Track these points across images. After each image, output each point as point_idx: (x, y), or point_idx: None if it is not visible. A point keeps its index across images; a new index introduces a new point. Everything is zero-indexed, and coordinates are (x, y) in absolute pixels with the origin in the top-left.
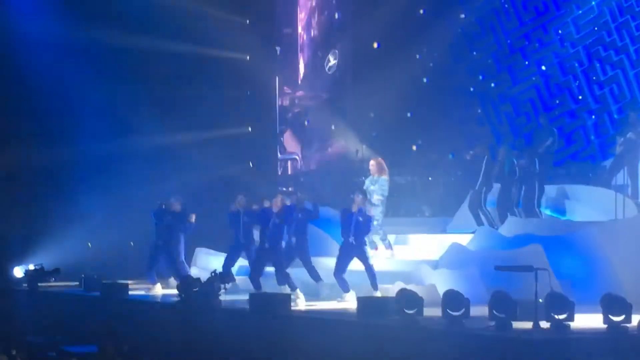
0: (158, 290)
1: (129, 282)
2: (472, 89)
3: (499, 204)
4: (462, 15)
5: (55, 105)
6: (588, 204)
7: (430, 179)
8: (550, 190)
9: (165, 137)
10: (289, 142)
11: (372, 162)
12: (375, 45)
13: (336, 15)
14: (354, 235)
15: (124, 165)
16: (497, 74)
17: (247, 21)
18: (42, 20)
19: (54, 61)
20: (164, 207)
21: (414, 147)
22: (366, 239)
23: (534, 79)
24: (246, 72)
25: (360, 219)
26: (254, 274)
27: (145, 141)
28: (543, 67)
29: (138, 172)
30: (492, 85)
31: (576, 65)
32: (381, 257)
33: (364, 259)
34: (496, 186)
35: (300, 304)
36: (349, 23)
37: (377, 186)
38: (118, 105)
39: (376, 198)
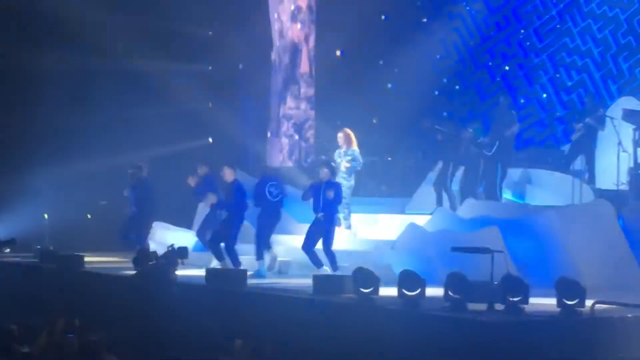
0: None
1: (86, 254)
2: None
3: (463, 185)
4: (425, 20)
5: (9, 72)
6: (546, 189)
7: (389, 159)
8: (512, 173)
9: (124, 108)
10: None
11: (339, 135)
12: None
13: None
14: (323, 211)
15: (82, 136)
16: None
17: None
18: None
19: (10, 26)
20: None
21: (374, 120)
22: (338, 215)
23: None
24: (210, 46)
25: (329, 191)
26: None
27: (103, 112)
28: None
29: (96, 143)
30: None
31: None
32: (341, 237)
33: (327, 239)
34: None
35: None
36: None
37: (347, 158)
38: (76, 74)
39: (344, 170)
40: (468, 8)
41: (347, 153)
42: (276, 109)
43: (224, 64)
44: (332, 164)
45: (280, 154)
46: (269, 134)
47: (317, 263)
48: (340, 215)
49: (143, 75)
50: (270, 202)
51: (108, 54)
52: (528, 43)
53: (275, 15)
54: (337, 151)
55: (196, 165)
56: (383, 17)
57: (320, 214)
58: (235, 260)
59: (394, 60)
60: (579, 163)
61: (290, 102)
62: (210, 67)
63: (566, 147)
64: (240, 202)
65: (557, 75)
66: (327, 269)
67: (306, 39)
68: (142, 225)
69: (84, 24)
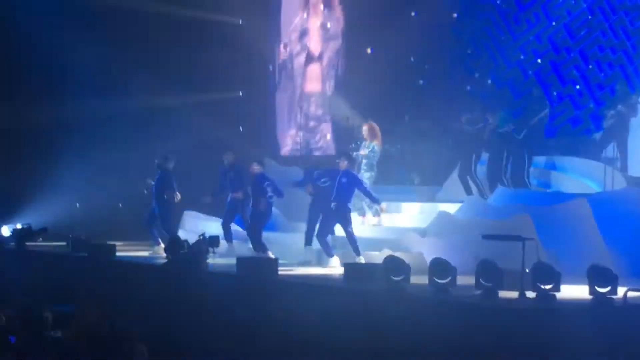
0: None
1: (118, 243)
2: (466, 61)
3: (488, 173)
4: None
5: (42, 64)
6: (578, 176)
7: (419, 147)
8: (540, 161)
9: (155, 99)
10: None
11: (364, 127)
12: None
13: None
14: (336, 199)
15: (114, 125)
16: (493, 46)
17: None
18: None
19: (43, 20)
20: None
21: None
22: (350, 205)
23: (524, 55)
24: (239, 36)
25: (344, 180)
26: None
27: (135, 102)
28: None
29: (128, 133)
30: (486, 56)
31: (568, 39)
32: (368, 225)
33: (345, 225)
34: (485, 155)
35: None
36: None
37: (367, 151)
38: (107, 66)
39: (364, 163)
40: (499, 2)
41: (367, 146)
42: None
43: (258, 54)
44: (353, 154)
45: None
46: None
47: (329, 252)
48: (364, 203)
49: (174, 64)
50: (320, 187)
51: (137, 43)
52: (559, 39)
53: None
54: (362, 143)
55: (222, 155)
56: (413, 13)
57: (333, 203)
58: (265, 249)
59: (424, 57)
60: (610, 150)
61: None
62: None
63: (598, 135)
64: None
65: (590, 67)
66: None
67: (320, 57)
68: (164, 218)
69: (113, 15)
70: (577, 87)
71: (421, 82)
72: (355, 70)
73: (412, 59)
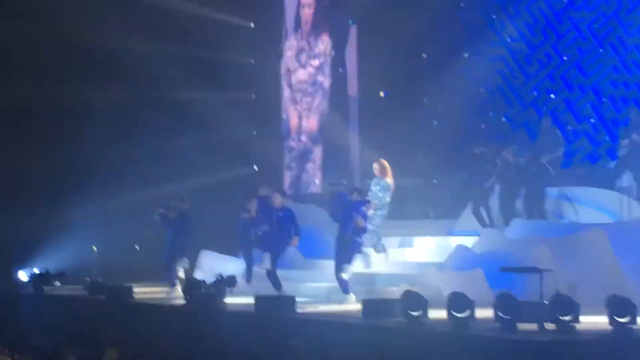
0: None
1: (135, 285)
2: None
3: (502, 205)
4: (466, 55)
5: (57, 108)
6: (593, 206)
7: (435, 181)
8: (555, 192)
9: (169, 139)
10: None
11: (375, 165)
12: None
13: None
14: (344, 230)
15: (127, 167)
16: (505, 85)
17: (252, 24)
18: None
19: (56, 65)
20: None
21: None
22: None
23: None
24: (251, 75)
25: (354, 212)
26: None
27: (148, 144)
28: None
29: (141, 175)
30: (499, 95)
31: (581, 75)
32: (376, 261)
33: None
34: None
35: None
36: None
37: (378, 188)
38: (120, 108)
39: (376, 199)
40: (508, 40)
41: (379, 183)
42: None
43: (267, 91)
44: (366, 189)
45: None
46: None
47: (345, 289)
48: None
49: (185, 106)
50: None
51: (148, 85)
52: (572, 75)
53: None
54: (373, 180)
55: (245, 200)
56: (424, 55)
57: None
58: (277, 284)
59: (437, 97)
60: (626, 179)
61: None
62: (253, 96)
63: (612, 164)
64: (287, 228)
65: (605, 101)
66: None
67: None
68: (180, 257)
69: (125, 58)
70: (592, 120)
71: (435, 122)
72: (370, 110)
73: (425, 100)
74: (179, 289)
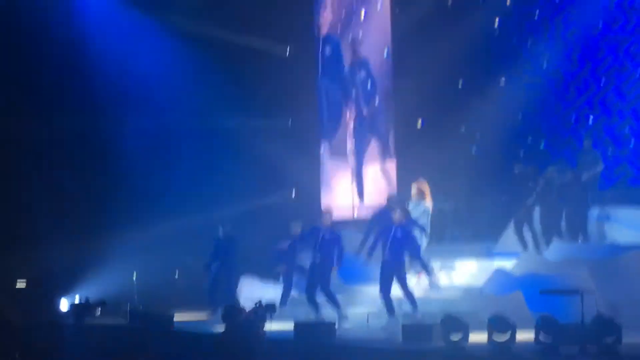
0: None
1: (175, 311)
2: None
3: (543, 226)
4: (503, 79)
5: (100, 137)
6: (633, 227)
7: (472, 204)
8: (595, 213)
9: (209, 166)
10: None
11: (413, 186)
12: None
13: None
14: (390, 252)
15: (165, 195)
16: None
17: (287, 51)
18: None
19: (104, 94)
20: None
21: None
22: (406, 258)
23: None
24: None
25: (399, 234)
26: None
27: (190, 172)
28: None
29: (180, 202)
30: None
31: (619, 100)
32: (424, 285)
33: (401, 280)
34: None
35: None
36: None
37: (417, 210)
38: (160, 135)
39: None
40: (545, 68)
41: (417, 205)
42: None
43: (304, 117)
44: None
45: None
46: None
47: (391, 310)
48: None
49: (227, 132)
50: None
51: (188, 113)
52: (611, 102)
53: None
54: (411, 202)
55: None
56: (460, 83)
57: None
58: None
59: (475, 125)
60: None
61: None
62: (290, 122)
63: None
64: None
65: None
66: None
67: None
68: (228, 283)
69: (159, 83)
70: (631, 145)
71: (474, 150)
72: (406, 139)
73: (462, 129)
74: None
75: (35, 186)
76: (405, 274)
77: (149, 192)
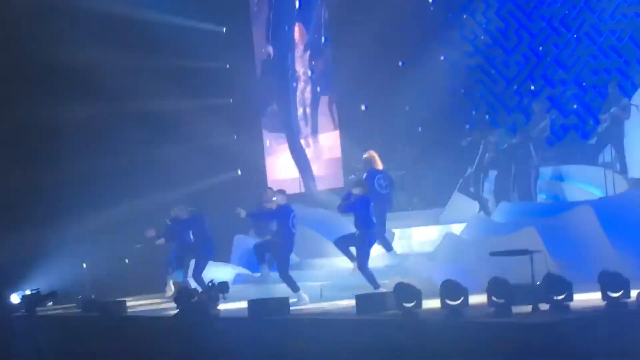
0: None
1: (128, 299)
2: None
3: (496, 190)
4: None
5: (34, 124)
6: (579, 184)
7: (419, 171)
8: (545, 172)
9: (148, 149)
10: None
11: (364, 155)
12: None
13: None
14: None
15: (109, 181)
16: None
17: (224, 29)
18: None
19: (30, 77)
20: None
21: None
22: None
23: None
24: (227, 80)
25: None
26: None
27: (130, 157)
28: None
29: (124, 189)
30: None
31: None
32: (378, 253)
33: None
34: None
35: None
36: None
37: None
38: (97, 120)
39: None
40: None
41: (377, 172)
42: None
43: (245, 96)
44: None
45: None
46: None
47: (376, 284)
48: None
49: (165, 115)
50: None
51: (125, 98)
52: (552, 72)
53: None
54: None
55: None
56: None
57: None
58: (294, 285)
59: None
60: (608, 154)
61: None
62: (231, 100)
63: (593, 140)
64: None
65: (588, 90)
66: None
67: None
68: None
69: (97, 71)
70: (575, 107)
71: (420, 128)
72: (351, 121)
73: (407, 107)
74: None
75: None
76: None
77: (93, 179)
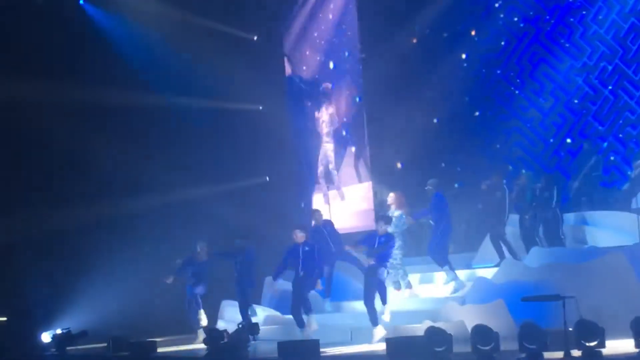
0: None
1: (158, 339)
2: (477, 115)
3: (522, 233)
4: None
5: (72, 165)
6: (611, 229)
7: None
8: (570, 217)
9: (181, 192)
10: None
11: (391, 195)
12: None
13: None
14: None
15: (141, 222)
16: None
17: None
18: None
19: (62, 121)
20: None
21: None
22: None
23: (546, 104)
24: (260, 122)
25: (382, 244)
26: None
27: (161, 197)
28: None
29: (156, 228)
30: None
31: (589, 92)
32: (401, 297)
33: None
34: (515, 216)
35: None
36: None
37: (394, 220)
38: (131, 163)
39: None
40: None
41: (394, 214)
42: None
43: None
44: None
45: None
46: None
47: (374, 320)
48: (399, 278)
49: (195, 156)
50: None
51: (155, 140)
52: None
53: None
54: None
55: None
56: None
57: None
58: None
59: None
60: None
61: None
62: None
63: (626, 186)
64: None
65: (628, 145)
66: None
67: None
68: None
69: (131, 112)
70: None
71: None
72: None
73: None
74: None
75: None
76: (384, 286)
77: (123, 219)
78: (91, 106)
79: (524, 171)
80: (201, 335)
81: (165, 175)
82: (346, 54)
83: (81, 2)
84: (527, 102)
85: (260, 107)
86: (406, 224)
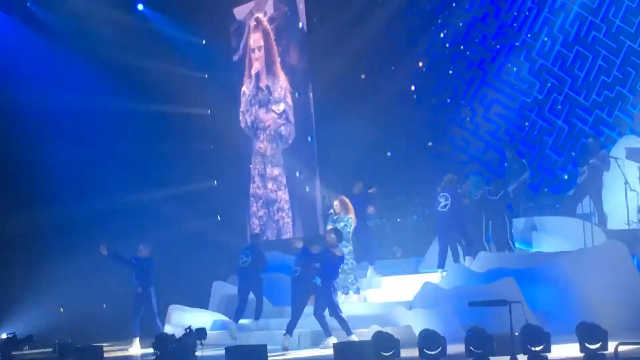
0: (136, 348)
1: (105, 344)
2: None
3: (469, 238)
4: (420, 64)
5: (18, 169)
6: (557, 235)
7: (399, 220)
8: (519, 222)
9: (132, 195)
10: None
11: (335, 202)
12: None
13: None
14: (322, 277)
15: (88, 227)
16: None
17: (205, 75)
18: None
19: (6, 126)
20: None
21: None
22: (335, 283)
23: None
24: (210, 125)
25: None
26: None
27: (110, 201)
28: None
29: (104, 233)
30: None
31: (537, 95)
32: (351, 302)
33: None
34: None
35: None
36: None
37: (342, 225)
38: (77, 168)
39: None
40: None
41: (341, 219)
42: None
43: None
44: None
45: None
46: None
47: (327, 331)
48: (348, 283)
49: (145, 160)
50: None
51: (108, 142)
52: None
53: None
54: (331, 218)
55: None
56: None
57: (319, 280)
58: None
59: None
60: (587, 206)
61: (257, 181)
62: (211, 146)
63: (572, 191)
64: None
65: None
66: (333, 339)
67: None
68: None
69: (82, 115)
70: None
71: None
72: (328, 149)
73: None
74: (136, 343)
75: None
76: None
77: (71, 223)
78: (38, 110)
79: (472, 178)
80: (136, 343)
81: (111, 180)
82: (296, 95)
83: (28, 4)
84: (484, 144)
85: (209, 111)
86: (352, 228)
